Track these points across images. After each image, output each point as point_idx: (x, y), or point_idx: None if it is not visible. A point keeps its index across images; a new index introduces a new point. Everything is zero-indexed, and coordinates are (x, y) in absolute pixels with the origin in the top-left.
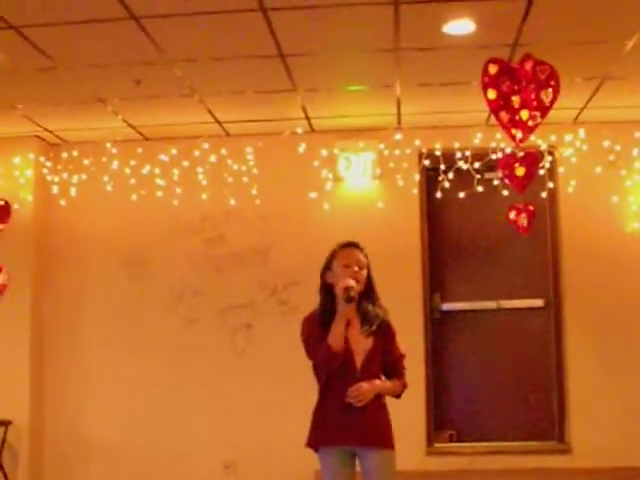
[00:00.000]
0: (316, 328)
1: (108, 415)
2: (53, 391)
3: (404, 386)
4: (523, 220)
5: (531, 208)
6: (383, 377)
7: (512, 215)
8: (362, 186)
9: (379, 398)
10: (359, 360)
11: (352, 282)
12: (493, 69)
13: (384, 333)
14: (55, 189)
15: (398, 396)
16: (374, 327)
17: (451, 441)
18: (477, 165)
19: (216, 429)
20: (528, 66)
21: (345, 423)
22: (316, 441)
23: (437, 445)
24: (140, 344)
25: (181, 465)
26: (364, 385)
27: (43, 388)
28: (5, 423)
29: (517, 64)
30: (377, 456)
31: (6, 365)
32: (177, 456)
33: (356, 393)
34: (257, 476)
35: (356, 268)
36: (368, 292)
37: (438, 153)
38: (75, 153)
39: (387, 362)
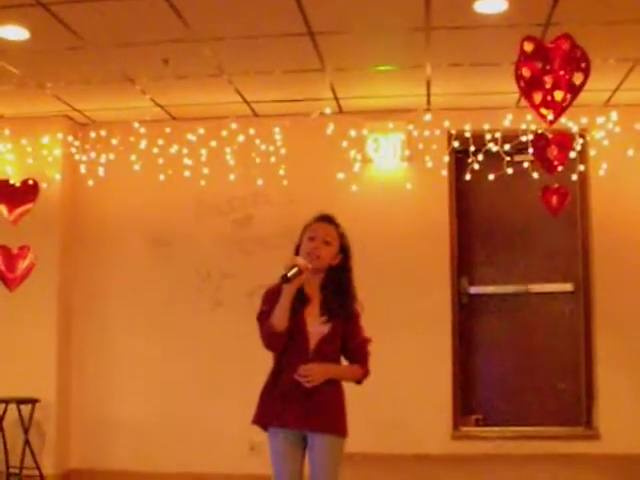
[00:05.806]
0: (271, 303)
1: (135, 394)
2: (80, 369)
3: (366, 372)
4: (554, 201)
5: (563, 189)
6: (346, 362)
7: (543, 196)
8: (391, 168)
9: (335, 383)
10: (313, 343)
11: (300, 261)
12: (529, 47)
13: (346, 318)
14: (83, 169)
15: (359, 382)
16: (331, 316)
17: (478, 425)
18: (507, 147)
19: (242, 410)
20: (565, 46)
21: (297, 406)
22: (264, 420)
23: (463, 429)
24: (167, 325)
25: (206, 445)
26: (315, 367)
27: (70, 366)
28: (32, 401)
29: (552, 43)
30: (325, 441)
31: (33, 344)
32: (203, 436)
33: (306, 373)
34: None
35: (319, 242)
36: (339, 277)
37: (468, 135)
38: (103, 133)
39: (349, 347)
